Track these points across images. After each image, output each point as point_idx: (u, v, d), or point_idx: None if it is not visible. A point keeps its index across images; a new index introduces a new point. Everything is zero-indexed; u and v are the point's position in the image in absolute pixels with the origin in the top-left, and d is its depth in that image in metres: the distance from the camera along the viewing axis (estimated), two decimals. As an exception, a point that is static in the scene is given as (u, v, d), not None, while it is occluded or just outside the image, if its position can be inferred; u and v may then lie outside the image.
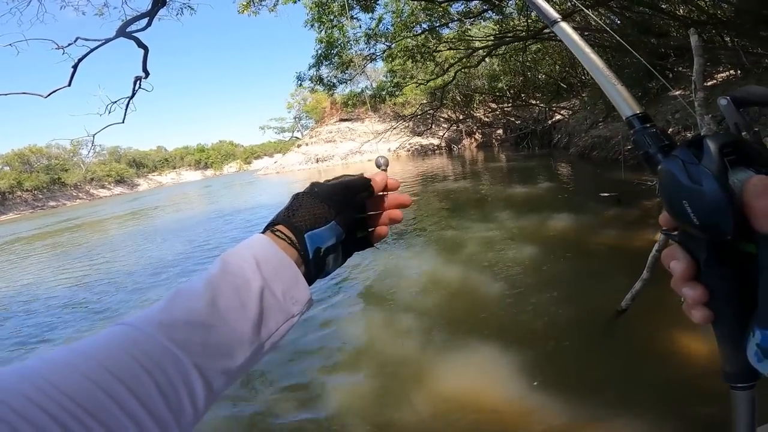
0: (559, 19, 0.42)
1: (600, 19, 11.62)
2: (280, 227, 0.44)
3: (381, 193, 0.53)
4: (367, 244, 0.54)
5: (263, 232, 0.45)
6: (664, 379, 2.12)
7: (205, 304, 0.37)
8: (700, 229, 0.32)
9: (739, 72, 7.88)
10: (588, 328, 2.73)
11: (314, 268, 0.45)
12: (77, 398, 0.28)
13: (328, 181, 0.51)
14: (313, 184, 0.49)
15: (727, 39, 8.33)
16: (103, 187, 60.35)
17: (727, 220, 0.30)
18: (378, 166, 0.55)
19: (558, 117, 17.34)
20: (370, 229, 0.54)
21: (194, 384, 0.34)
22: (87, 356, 0.31)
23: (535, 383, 2.20)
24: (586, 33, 10.16)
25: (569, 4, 10.43)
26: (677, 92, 9.04)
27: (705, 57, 2.32)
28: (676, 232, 0.36)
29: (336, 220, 0.46)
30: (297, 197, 0.47)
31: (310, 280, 0.45)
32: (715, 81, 8.39)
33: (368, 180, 0.51)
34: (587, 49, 0.40)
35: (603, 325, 2.69)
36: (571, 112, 16.03)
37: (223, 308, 0.37)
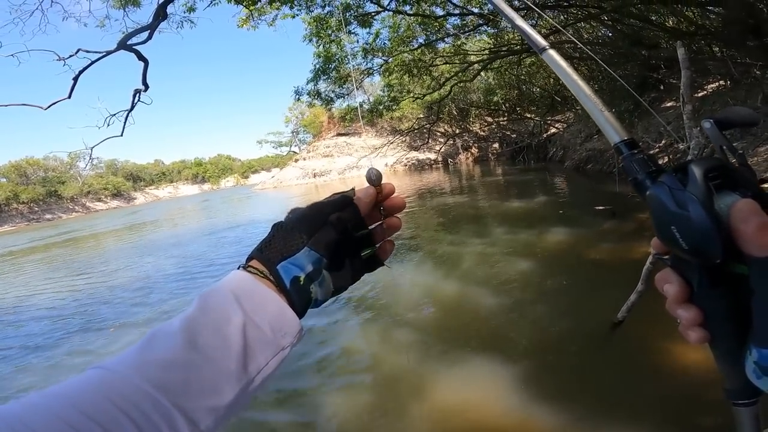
0: (547, 47, 0.43)
1: (591, 32, 11.83)
2: (253, 262, 0.43)
3: (377, 204, 0.50)
4: (376, 263, 0.51)
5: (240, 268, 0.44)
6: (662, 390, 2.11)
7: (183, 343, 0.37)
8: (689, 254, 0.32)
9: (728, 82, 7.98)
10: (584, 340, 2.72)
11: (297, 299, 0.43)
12: None
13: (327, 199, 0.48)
14: (290, 211, 0.47)
15: (716, 49, 8.45)
16: (99, 200, 60.15)
17: (715, 245, 0.30)
18: (369, 180, 0.50)
19: (553, 130, 17.52)
20: (377, 245, 0.50)
21: (177, 424, 0.34)
22: (63, 400, 0.31)
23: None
24: (578, 46, 10.32)
25: (562, 17, 10.62)
26: (669, 103, 9.16)
27: (693, 69, 2.37)
28: (667, 256, 0.37)
29: (309, 246, 0.43)
30: (273, 227, 0.46)
31: (299, 312, 0.43)
32: (705, 92, 8.51)
33: (346, 197, 0.48)
34: (575, 76, 0.41)
35: (599, 337, 2.69)
36: (565, 125, 16.20)
37: (203, 346, 0.37)
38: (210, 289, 0.41)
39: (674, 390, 2.10)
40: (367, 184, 0.50)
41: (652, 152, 7.50)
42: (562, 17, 10.55)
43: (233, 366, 0.37)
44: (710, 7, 7.30)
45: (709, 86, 8.68)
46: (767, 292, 0.29)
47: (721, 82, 8.36)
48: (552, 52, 0.43)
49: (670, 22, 8.86)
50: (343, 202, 0.47)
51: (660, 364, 2.31)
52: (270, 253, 0.43)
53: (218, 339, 0.37)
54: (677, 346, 2.33)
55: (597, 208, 5.71)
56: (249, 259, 0.44)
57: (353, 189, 0.50)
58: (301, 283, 0.42)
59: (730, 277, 0.32)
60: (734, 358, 0.33)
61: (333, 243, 0.44)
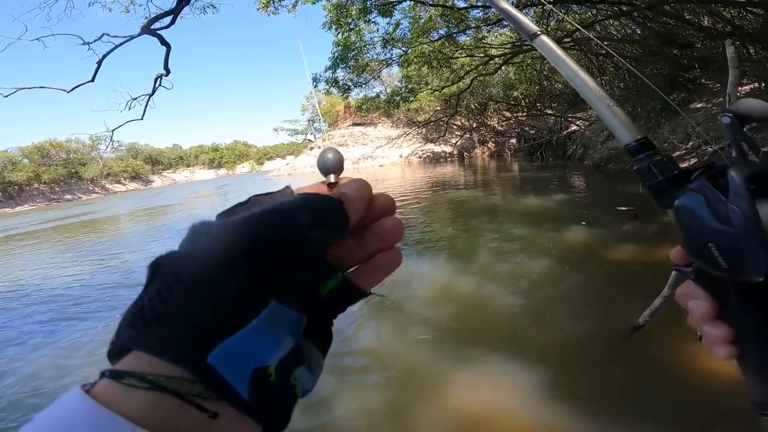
0: (538, 32, 0.34)
1: (621, 30, 11.45)
2: (130, 358, 0.19)
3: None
4: (355, 293, 0.28)
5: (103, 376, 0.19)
6: (682, 397, 2.06)
7: None
8: (727, 273, 0.29)
9: (762, 85, 7.69)
10: (603, 343, 2.64)
11: (271, 413, 0.22)
12: None
13: (233, 210, 0.24)
14: (198, 225, 0.22)
15: (752, 51, 8.14)
16: (118, 182, 61.74)
17: (761, 264, 0.27)
18: (322, 168, 0.30)
19: (573, 128, 17.11)
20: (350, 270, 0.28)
21: None
22: None
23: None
24: (606, 42, 10.00)
25: (590, 13, 10.29)
26: (698, 104, 8.84)
27: (740, 69, 2.23)
28: (690, 268, 0.33)
29: (278, 298, 0.21)
30: (151, 270, 0.21)
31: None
32: (738, 94, 8.19)
33: (336, 201, 0.24)
34: (575, 66, 0.32)
35: (619, 341, 2.60)
36: (587, 123, 15.79)
37: None
38: None
39: (695, 398, 2.04)
40: (323, 177, 0.29)
41: (678, 154, 7.25)
42: (590, 13, 10.23)
43: None
44: (750, 8, 7.00)
45: (743, 88, 8.36)
46: None
47: (756, 84, 8.04)
48: (545, 38, 0.34)
49: (706, 22, 8.53)
50: (330, 206, 0.24)
51: (681, 370, 2.24)
52: (179, 327, 0.18)
53: None
54: (699, 353, 2.24)
55: (619, 208, 5.53)
56: (115, 352, 0.20)
57: (288, 186, 0.28)
58: (272, 377, 0.21)
59: (762, 290, 0.30)
60: (765, 372, 0.32)
61: (307, 283, 0.24)
